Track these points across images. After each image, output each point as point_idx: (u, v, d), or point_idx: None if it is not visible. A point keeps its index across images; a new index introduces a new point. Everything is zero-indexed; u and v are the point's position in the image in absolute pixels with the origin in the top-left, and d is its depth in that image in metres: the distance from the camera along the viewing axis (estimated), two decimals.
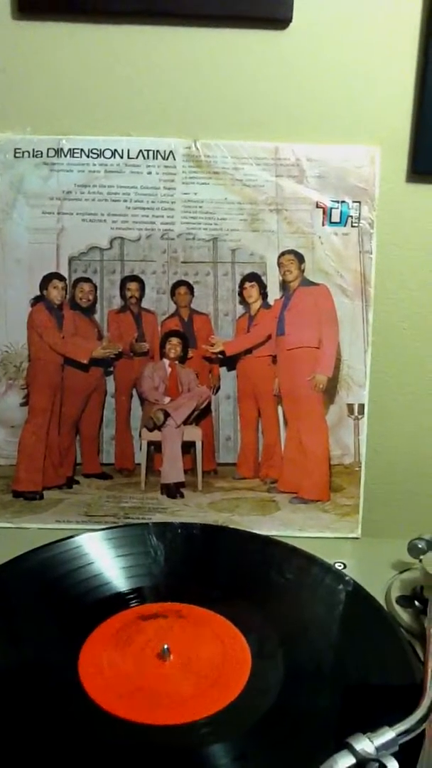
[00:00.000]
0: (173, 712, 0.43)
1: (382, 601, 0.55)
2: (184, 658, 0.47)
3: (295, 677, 0.47)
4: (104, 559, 0.56)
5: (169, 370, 0.66)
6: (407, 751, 0.39)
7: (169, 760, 0.41)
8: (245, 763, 0.40)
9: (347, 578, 0.55)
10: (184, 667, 0.47)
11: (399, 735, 0.39)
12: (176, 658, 0.47)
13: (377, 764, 0.38)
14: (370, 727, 0.39)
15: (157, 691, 0.45)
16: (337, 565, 0.58)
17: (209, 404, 0.66)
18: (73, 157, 0.63)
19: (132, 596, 0.53)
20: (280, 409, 0.66)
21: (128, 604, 0.52)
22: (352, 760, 0.38)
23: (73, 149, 0.63)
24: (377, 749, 0.38)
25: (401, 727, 0.39)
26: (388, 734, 0.39)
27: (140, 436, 0.66)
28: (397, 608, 0.55)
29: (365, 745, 0.38)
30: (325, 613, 0.53)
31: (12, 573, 0.54)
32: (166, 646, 0.47)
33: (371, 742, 0.38)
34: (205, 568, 0.57)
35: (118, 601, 0.52)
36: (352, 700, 0.44)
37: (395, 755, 0.38)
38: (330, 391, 0.65)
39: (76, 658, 0.47)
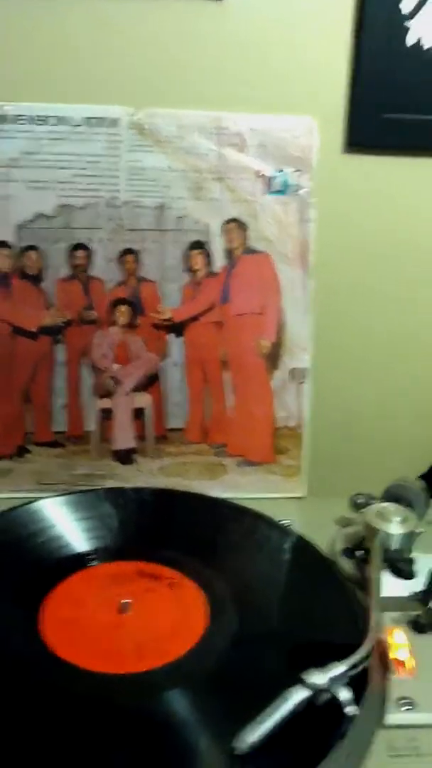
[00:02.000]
0: (133, 661, 0.45)
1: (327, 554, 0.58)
2: (143, 612, 0.49)
3: (249, 627, 0.49)
4: (62, 523, 0.58)
5: (118, 337, 0.67)
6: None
7: (128, 707, 0.42)
8: (201, 708, 0.43)
9: (293, 534, 0.58)
10: (143, 620, 0.49)
11: (349, 668, 0.42)
12: (135, 612, 0.49)
13: (330, 695, 0.41)
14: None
15: (117, 643, 0.47)
16: (283, 523, 0.61)
17: (158, 371, 0.67)
18: (18, 123, 0.63)
19: (90, 556, 0.54)
20: (226, 375, 0.68)
21: (87, 563, 0.54)
22: (306, 693, 0.41)
23: (18, 116, 0.63)
24: (329, 681, 0.41)
25: (350, 660, 0.42)
26: (338, 668, 0.42)
27: (91, 403, 0.67)
28: (342, 560, 0.58)
29: (317, 678, 0.41)
30: (274, 567, 0.56)
31: None
32: (125, 601, 0.49)
33: (323, 674, 0.41)
34: (160, 529, 0.59)
35: (76, 561, 0.54)
36: (303, 646, 0.47)
37: None
38: (274, 357, 0.67)
39: (36, 614, 0.48)
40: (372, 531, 0.56)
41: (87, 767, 0.39)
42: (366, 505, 0.60)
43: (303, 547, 0.57)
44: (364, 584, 0.53)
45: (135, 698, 0.43)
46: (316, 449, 0.69)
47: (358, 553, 0.57)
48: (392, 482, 0.61)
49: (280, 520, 0.61)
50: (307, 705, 0.40)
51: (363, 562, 0.56)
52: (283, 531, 0.59)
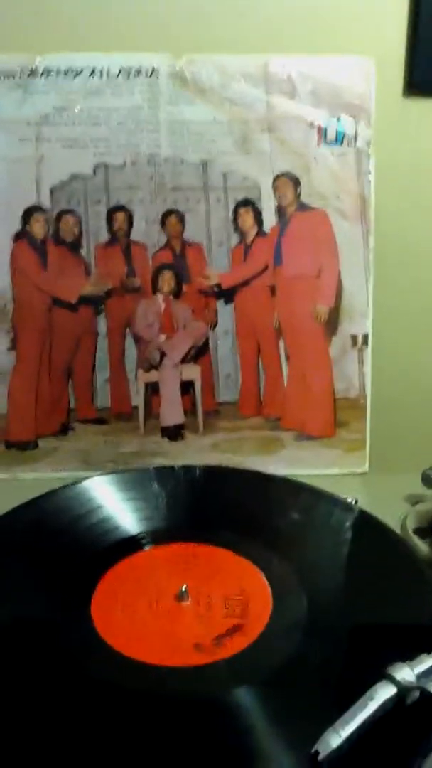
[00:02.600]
0: (195, 654, 0.41)
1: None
2: (201, 599, 0.45)
3: (317, 614, 0.45)
4: (111, 504, 0.54)
5: (163, 306, 0.62)
6: None
7: (189, 702, 0.39)
8: (270, 706, 0.39)
9: (362, 512, 0.54)
10: (202, 608, 0.45)
11: None
12: (194, 599, 0.45)
13: (419, 692, 0.37)
14: (399, 659, 0.38)
15: (174, 634, 0.43)
16: (348, 500, 0.57)
17: (207, 341, 0.63)
18: (49, 77, 0.59)
19: (142, 539, 0.51)
20: (281, 344, 0.63)
21: (139, 546, 0.50)
22: (393, 690, 0.36)
23: (49, 69, 0.58)
24: (418, 677, 0.37)
25: None
26: (428, 661, 0.37)
27: (136, 377, 0.63)
28: (415, 539, 0.54)
29: (405, 673, 0.36)
30: (340, 548, 0.51)
31: (17, 519, 0.51)
32: (184, 587, 0.45)
33: (411, 670, 0.37)
34: (214, 509, 0.55)
35: (127, 545, 0.50)
36: (379, 635, 0.43)
37: None
38: (332, 323, 0.63)
39: (88, 602, 0.44)
40: None
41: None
42: None
43: (372, 526, 0.52)
44: None
45: (196, 694, 0.39)
46: (378, 421, 0.64)
47: None
48: None
49: (343, 497, 0.56)
50: (398, 702, 0.36)
51: None
52: (349, 508, 0.54)
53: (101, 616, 0.44)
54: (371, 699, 0.36)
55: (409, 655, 0.38)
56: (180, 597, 0.45)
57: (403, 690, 0.36)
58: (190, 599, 0.45)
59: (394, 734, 0.36)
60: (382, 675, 0.37)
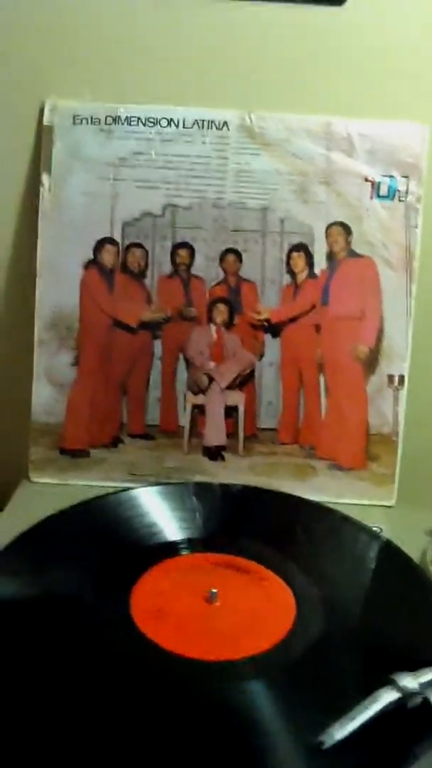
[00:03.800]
0: (218, 650, 0.45)
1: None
2: (229, 602, 0.49)
3: (336, 626, 0.48)
4: (154, 512, 0.59)
5: (215, 335, 0.68)
6: None
7: (212, 693, 0.43)
8: (284, 700, 0.42)
9: (385, 539, 0.57)
10: (229, 610, 0.49)
11: None
12: (222, 602, 0.49)
13: (421, 699, 0.40)
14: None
15: (203, 631, 0.47)
16: (374, 529, 0.60)
17: (253, 370, 0.68)
18: (130, 125, 0.65)
19: (179, 546, 0.55)
20: (321, 378, 0.68)
21: (176, 552, 0.55)
22: (396, 695, 0.40)
23: (130, 117, 0.65)
24: (421, 686, 0.40)
25: None
26: (430, 673, 0.41)
27: (185, 399, 0.68)
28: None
29: (409, 681, 0.40)
30: (362, 570, 0.55)
31: (68, 519, 0.57)
32: (214, 591, 0.49)
33: (414, 679, 0.40)
34: (247, 525, 0.59)
35: (166, 549, 0.55)
36: (391, 649, 0.46)
37: None
38: (371, 362, 0.67)
39: (128, 595, 0.49)
40: None
41: (170, 749, 0.39)
42: None
43: (392, 552, 0.56)
44: None
45: (219, 686, 0.43)
46: (408, 458, 0.67)
47: None
48: None
49: (369, 525, 0.60)
50: (396, 708, 0.40)
51: None
52: (373, 535, 0.58)
53: (137, 605, 0.48)
54: (375, 701, 0.40)
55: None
56: (209, 599, 0.50)
57: (406, 696, 0.40)
58: (218, 602, 0.50)
59: (393, 733, 0.39)
60: (387, 681, 0.41)
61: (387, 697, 0.40)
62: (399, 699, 0.40)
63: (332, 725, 0.39)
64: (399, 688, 0.40)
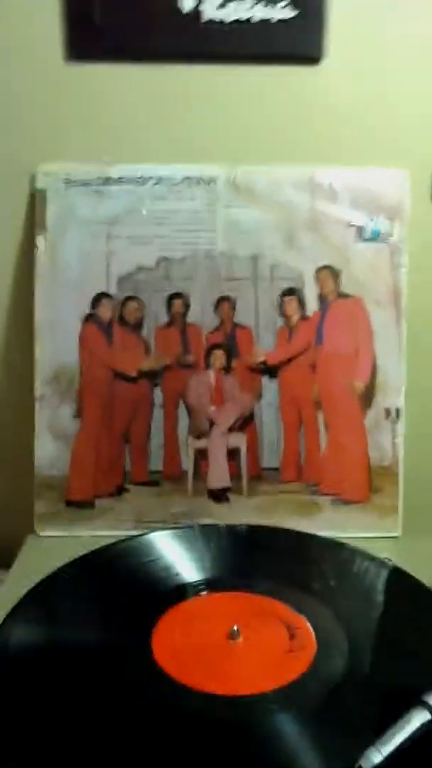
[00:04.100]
0: (242, 684, 0.46)
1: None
2: (252, 638, 0.50)
3: (357, 657, 0.49)
4: (166, 556, 0.59)
5: (214, 380, 0.69)
6: None
7: (236, 727, 0.43)
8: (310, 732, 0.42)
9: (395, 568, 0.58)
10: (252, 646, 0.49)
11: None
12: (245, 638, 0.50)
13: None
14: None
15: (226, 667, 0.47)
16: (383, 559, 0.61)
17: (252, 412, 0.70)
18: (121, 184, 0.68)
19: (196, 587, 0.56)
20: (320, 415, 0.69)
21: (193, 593, 0.55)
22: (428, 716, 0.41)
23: (121, 177, 0.68)
24: None
25: None
26: None
27: (187, 443, 0.70)
28: None
29: None
30: (376, 599, 0.56)
31: (79, 569, 0.57)
32: (235, 627, 0.50)
33: None
34: (259, 564, 0.60)
35: (183, 591, 0.55)
36: (413, 676, 0.47)
37: None
38: (367, 396, 0.69)
39: (149, 637, 0.49)
40: None
41: None
42: None
43: (404, 580, 0.57)
44: None
45: (244, 718, 0.43)
46: (410, 489, 0.69)
47: None
48: None
49: (378, 556, 0.61)
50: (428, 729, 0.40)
51: None
52: (383, 565, 0.59)
53: (159, 647, 0.49)
54: (408, 722, 0.40)
55: None
56: (231, 636, 0.50)
57: None
58: (241, 638, 0.50)
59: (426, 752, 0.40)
60: (417, 701, 0.41)
61: (420, 717, 0.40)
62: (429, 722, 0.40)
63: (369, 749, 0.39)
64: (429, 708, 0.41)
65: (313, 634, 0.51)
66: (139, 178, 0.68)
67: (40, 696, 0.45)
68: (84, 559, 0.59)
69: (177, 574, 0.57)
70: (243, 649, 0.49)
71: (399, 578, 0.57)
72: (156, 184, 0.68)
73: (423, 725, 0.40)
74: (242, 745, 0.42)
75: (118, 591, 0.56)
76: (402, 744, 0.39)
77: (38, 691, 0.45)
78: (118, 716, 0.43)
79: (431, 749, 0.40)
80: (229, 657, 0.48)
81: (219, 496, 0.69)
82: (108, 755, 0.41)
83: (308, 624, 0.52)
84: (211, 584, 0.56)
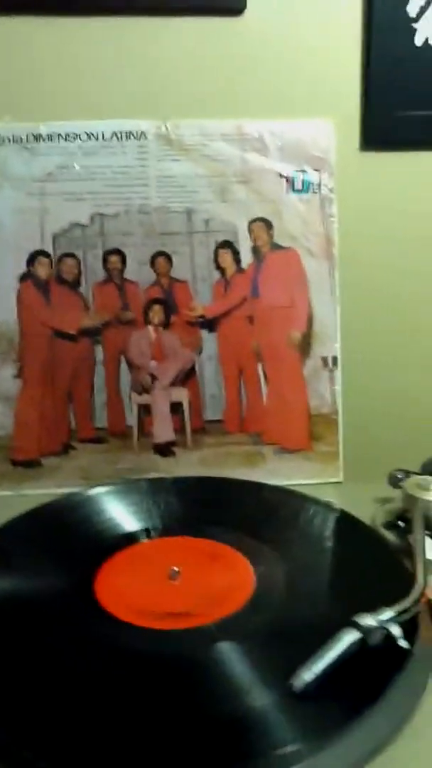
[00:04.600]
0: (184, 619, 0.47)
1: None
2: (192, 578, 0.51)
3: (296, 589, 0.51)
4: (110, 509, 0.60)
5: (153, 336, 0.70)
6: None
7: (180, 659, 0.44)
8: (252, 657, 0.44)
9: (336, 507, 0.60)
10: (192, 585, 0.51)
11: (398, 613, 0.43)
12: (185, 578, 0.51)
13: (381, 635, 0.42)
14: None
15: (168, 605, 0.49)
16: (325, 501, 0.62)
17: (193, 366, 0.70)
18: (52, 141, 0.67)
19: (138, 535, 0.57)
20: (260, 366, 0.70)
21: (135, 540, 0.56)
22: (357, 634, 0.42)
23: (52, 134, 0.67)
24: (380, 622, 0.42)
25: (399, 605, 0.44)
26: (388, 612, 0.43)
27: (130, 399, 0.70)
28: (383, 531, 0.60)
29: (368, 620, 0.42)
30: (318, 540, 0.57)
31: (30, 522, 0.58)
32: (175, 568, 0.51)
33: (373, 618, 0.43)
34: (202, 512, 0.61)
35: (125, 539, 0.56)
36: (351, 602, 0.48)
37: None
38: (305, 346, 0.70)
39: (92, 581, 0.50)
40: (413, 500, 0.58)
41: (146, 715, 0.40)
42: (404, 479, 0.61)
43: (345, 520, 0.59)
44: (407, 551, 0.54)
45: (187, 650, 0.45)
46: (350, 435, 0.70)
47: (400, 524, 0.59)
48: (429, 457, 0.63)
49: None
50: (361, 647, 0.42)
51: (405, 532, 0.58)
52: (324, 506, 0.60)
53: (102, 590, 0.50)
54: (338, 642, 0.42)
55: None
56: (171, 576, 0.51)
57: (366, 633, 0.42)
58: (180, 578, 0.51)
59: (363, 672, 0.41)
60: (348, 622, 0.43)
61: (349, 637, 0.42)
62: (361, 638, 0.42)
63: (300, 669, 0.41)
64: (359, 627, 0.42)
65: (252, 571, 0.52)
66: (69, 134, 0.68)
67: None
68: (29, 514, 0.60)
69: (120, 525, 0.58)
70: (182, 588, 0.50)
71: (340, 520, 0.59)
72: (86, 140, 0.68)
73: (352, 644, 0.42)
74: (180, 675, 0.43)
75: (64, 542, 0.56)
76: (333, 663, 0.41)
77: None
78: (61, 655, 0.44)
79: (361, 667, 0.42)
80: (169, 596, 0.50)
81: (164, 450, 0.70)
82: (52, 691, 0.41)
83: (248, 562, 0.53)
84: (155, 532, 0.58)
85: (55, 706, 0.40)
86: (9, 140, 0.67)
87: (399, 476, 0.62)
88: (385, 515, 0.62)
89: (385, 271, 0.72)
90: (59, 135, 0.67)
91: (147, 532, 0.57)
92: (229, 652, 0.44)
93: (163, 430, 0.70)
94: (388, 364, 0.73)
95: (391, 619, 0.43)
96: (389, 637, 0.42)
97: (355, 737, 0.39)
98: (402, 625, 0.43)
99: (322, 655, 0.41)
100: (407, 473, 0.62)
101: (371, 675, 0.42)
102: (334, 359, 0.70)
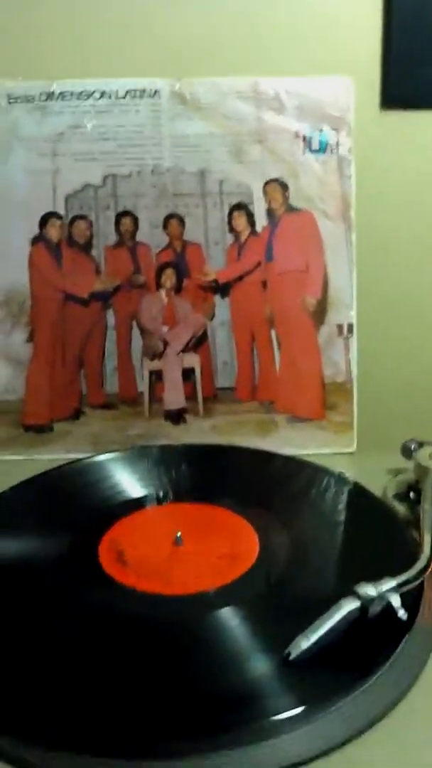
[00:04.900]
0: (186, 585, 0.47)
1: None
2: (196, 544, 0.51)
3: (302, 557, 0.50)
4: (119, 476, 0.60)
5: (165, 300, 0.69)
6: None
7: (179, 625, 0.44)
8: (253, 622, 0.43)
9: (347, 479, 0.59)
10: (196, 552, 0.50)
11: (400, 583, 0.42)
12: (189, 544, 0.51)
13: (380, 605, 0.41)
14: None
15: (170, 570, 0.48)
16: (336, 472, 0.61)
17: (205, 331, 0.69)
18: (64, 100, 0.66)
19: (145, 501, 0.56)
20: (273, 333, 0.69)
21: (145, 505, 0.56)
22: (357, 603, 0.41)
23: (64, 92, 0.66)
24: (380, 592, 0.41)
25: (402, 576, 0.43)
26: (390, 582, 0.42)
27: (142, 365, 0.69)
28: (395, 503, 0.59)
29: (368, 589, 0.42)
30: (328, 510, 0.57)
31: (39, 485, 0.59)
32: (179, 534, 0.51)
33: (374, 587, 0.42)
34: (211, 480, 0.61)
35: (132, 505, 0.56)
36: (357, 571, 0.47)
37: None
38: (319, 313, 0.68)
39: (96, 545, 0.50)
40: (424, 470, 0.57)
41: (145, 677, 0.40)
42: (417, 450, 0.60)
43: (355, 491, 0.58)
44: (417, 523, 0.53)
45: (185, 616, 0.44)
46: (364, 404, 0.69)
47: (411, 495, 0.58)
48: None
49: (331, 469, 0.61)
50: (362, 617, 0.41)
51: (416, 503, 0.57)
52: (336, 477, 0.59)
53: (105, 555, 0.49)
54: (337, 610, 0.41)
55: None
56: (176, 542, 0.51)
57: (366, 603, 0.41)
58: (185, 544, 0.51)
59: (363, 642, 0.41)
60: (349, 591, 0.42)
61: (348, 605, 0.41)
62: (360, 606, 0.41)
63: (298, 637, 0.40)
64: (359, 596, 0.41)
65: (257, 538, 0.52)
66: (82, 92, 0.66)
67: None
68: (37, 478, 0.60)
69: (127, 491, 0.58)
70: (186, 554, 0.50)
71: (350, 491, 0.58)
72: (99, 98, 0.66)
73: (351, 613, 0.41)
74: (178, 640, 0.43)
75: (71, 507, 0.56)
76: (330, 631, 0.40)
77: None
78: (60, 617, 0.44)
79: (360, 636, 0.41)
80: (173, 561, 0.49)
81: (175, 417, 0.69)
82: (50, 655, 0.42)
83: (253, 529, 0.52)
84: (163, 499, 0.57)
85: (54, 671, 0.40)
86: (21, 100, 0.66)
87: (412, 447, 0.61)
88: (396, 486, 0.60)
89: (403, 236, 0.69)
90: (72, 93, 0.66)
91: (155, 498, 0.57)
92: (227, 619, 0.43)
93: (174, 396, 0.69)
94: (405, 333, 0.71)
95: (392, 589, 0.42)
96: (390, 608, 0.42)
97: (351, 707, 0.38)
98: (405, 598, 0.42)
99: (320, 623, 0.40)
100: (420, 444, 0.61)
101: (370, 645, 0.41)
102: (350, 326, 0.68)
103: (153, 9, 0.65)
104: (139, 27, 0.65)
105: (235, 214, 0.67)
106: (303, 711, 0.37)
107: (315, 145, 0.66)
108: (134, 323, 0.69)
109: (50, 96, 0.66)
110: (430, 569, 0.45)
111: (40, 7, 0.65)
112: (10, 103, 0.66)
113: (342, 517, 0.56)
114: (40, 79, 0.66)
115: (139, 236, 0.68)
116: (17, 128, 0.66)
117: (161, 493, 0.58)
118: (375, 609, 0.41)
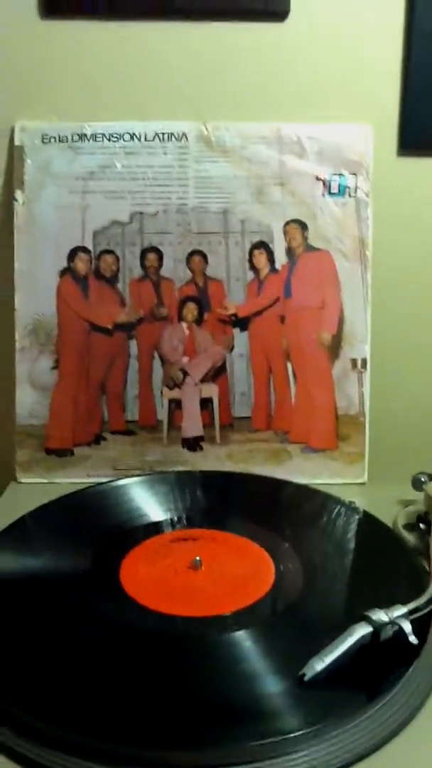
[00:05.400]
0: (203, 607, 0.49)
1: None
2: (213, 569, 0.53)
3: (315, 585, 0.52)
4: (139, 500, 0.62)
5: (186, 332, 0.72)
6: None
7: (199, 644, 0.46)
8: (269, 645, 0.45)
9: (358, 508, 0.61)
10: (213, 576, 0.52)
11: (410, 611, 0.44)
12: (206, 568, 0.53)
13: (392, 630, 0.43)
14: None
15: (189, 593, 0.50)
16: (347, 501, 0.63)
17: (224, 363, 0.72)
18: (96, 141, 0.70)
19: (163, 525, 0.59)
20: (289, 366, 0.72)
21: (162, 530, 0.58)
22: (369, 629, 0.43)
23: (96, 134, 0.70)
24: (392, 618, 0.43)
25: (413, 603, 0.45)
26: (400, 609, 0.44)
27: (162, 394, 0.72)
28: (404, 533, 0.60)
29: (380, 615, 0.43)
30: (339, 539, 0.58)
31: (61, 507, 0.61)
32: (197, 558, 0.53)
33: (385, 613, 0.44)
34: (227, 506, 0.63)
35: (150, 529, 0.58)
36: (367, 599, 0.49)
37: None
38: (334, 347, 0.71)
39: (118, 568, 0.52)
40: None
41: (164, 696, 0.42)
42: (428, 482, 0.62)
43: (366, 520, 0.60)
44: (426, 553, 0.55)
45: (202, 638, 0.46)
46: (376, 437, 0.71)
47: (421, 526, 0.60)
48: None
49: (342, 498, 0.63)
50: (374, 642, 0.43)
51: (425, 534, 0.59)
52: (347, 506, 0.61)
53: (127, 576, 0.51)
54: (350, 635, 0.43)
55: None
56: (194, 566, 0.53)
57: (378, 628, 0.43)
58: (203, 568, 0.53)
59: (374, 665, 0.42)
60: (361, 617, 0.44)
61: (361, 630, 0.43)
62: (372, 632, 0.43)
63: (312, 659, 0.42)
64: (372, 622, 0.43)
65: (273, 565, 0.53)
66: (112, 134, 0.70)
67: (14, 621, 0.48)
68: (59, 500, 0.62)
69: (147, 515, 0.60)
70: (204, 578, 0.52)
71: (361, 520, 0.60)
72: (129, 140, 0.70)
73: (364, 638, 0.43)
74: (194, 661, 0.44)
75: (92, 529, 0.58)
76: (344, 654, 0.42)
77: (13, 617, 0.48)
78: (84, 637, 0.46)
79: (371, 660, 0.43)
80: (191, 585, 0.51)
81: (193, 444, 0.72)
82: (70, 670, 0.44)
83: (269, 556, 0.54)
84: (180, 523, 0.59)
85: (78, 687, 0.42)
86: (55, 140, 0.70)
87: (422, 479, 0.63)
88: (406, 517, 0.62)
89: (417, 276, 0.72)
90: (103, 135, 0.70)
91: (172, 522, 0.59)
92: (242, 642, 0.45)
93: (192, 425, 0.72)
94: (417, 368, 0.74)
95: (402, 616, 0.44)
96: (402, 634, 0.44)
97: (361, 728, 0.40)
98: (415, 624, 0.44)
99: (334, 647, 0.42)
100: (431, 476, 0.63)
101: (380, 669, 0.43)
102: (364, 361, 0.71)
103: (183, 56, 0.69)
104: (169, 73, 0.69)
105: (256, 252, 0.71)
106: (314, 730, 0.39)
107: (334, 189, 0.70)
108: (156, 353, 0.72)
109: (82, 137, 0.70)
110: None
111: (77, 52, 0.69)
112: (44, 142, 0.70)
113: (353, 545, 0.58)
114: (74, 120, 0.70)
115: (163, 271, 0.71)
116: (50, 166, 0.70)
117: (179, 518, 0.60)
118: (387, 634, 0.43)
